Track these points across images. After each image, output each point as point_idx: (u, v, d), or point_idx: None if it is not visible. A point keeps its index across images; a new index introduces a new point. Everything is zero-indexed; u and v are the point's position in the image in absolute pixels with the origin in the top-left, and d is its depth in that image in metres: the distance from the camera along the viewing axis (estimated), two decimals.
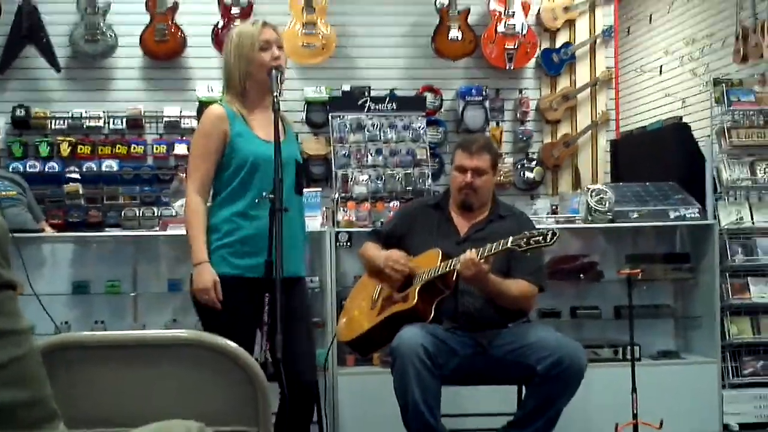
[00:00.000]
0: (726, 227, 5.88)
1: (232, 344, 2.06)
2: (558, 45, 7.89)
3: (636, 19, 9.13)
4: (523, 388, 4.22)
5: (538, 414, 3.98)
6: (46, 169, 7.06)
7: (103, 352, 2.11)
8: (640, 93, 8.94)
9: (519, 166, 7.68)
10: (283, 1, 7.33)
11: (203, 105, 6.73)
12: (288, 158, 3.60)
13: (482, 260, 3.92)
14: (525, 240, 3.81)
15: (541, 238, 3.79)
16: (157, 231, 5.85)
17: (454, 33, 7.47)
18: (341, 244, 5.54)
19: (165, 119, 7.32)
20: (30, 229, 5.50)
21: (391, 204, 6.06)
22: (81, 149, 7.15)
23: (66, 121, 7.21)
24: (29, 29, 7.03)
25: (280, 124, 3.59)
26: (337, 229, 5.59)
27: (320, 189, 6.05)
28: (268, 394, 2.08)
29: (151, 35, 7.24)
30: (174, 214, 5.86)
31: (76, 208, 6.92)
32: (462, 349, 4.09)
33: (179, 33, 7.28)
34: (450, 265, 4.00)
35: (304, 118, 7.36)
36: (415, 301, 4.04)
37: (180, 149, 7.10)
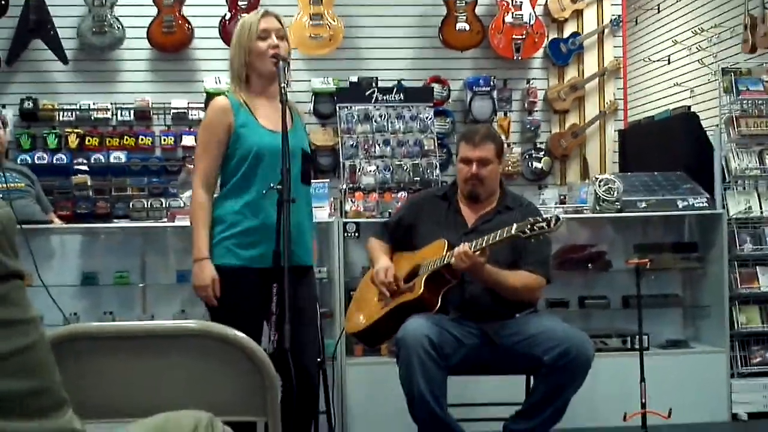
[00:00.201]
0: (734, 216, 5.88)
1: (241, 335, 2.07)
2: (566, 35, 7.87)
3: (644, 9, 9.11)
4: (531, 378, 4.23)
5: (546, 404, 3.98)
6: (55, 161, 7.06)
7: (112, 343, 2.12)
8: (649, 83, 8.93)
9: (527, 156, 7.67)
10: None
11: (211, 96, 6.72)
12: (294, 148, 3.58)
13: (477, 251, 3.92)
14: (528, 227, 3.81)
15: (545, 224, 3.80)
16: (165, 222, 5.87)
17: (462, 24, 7.45)
18: (349, 234, 5.55)
19: (173, 111, 7.32)
20: (39, 220, 5.52)
21: (399, 194, 6.06)
22: (89, 141, 7.15)
23: (74, 113, 7.21)
24: (37, 22, 7.03)
25: (288, 114, 3.59)
26: (344, 220, 5.60)
27: (328, 180, 6.06)
28: (277, 384, 2.09)
29: (158, 27, 7.23)
30: (182, 205, 5.88)
31: (84, 200, 6.93)
32: (468, 339, 4.09)
33: (186, 25, 7.28)
34: (450, 257, 4.00)
35: (312, 109, 7.35)
36: (422, 290, 4.05)
37: (188, 141, 7.10)
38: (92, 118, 7.23)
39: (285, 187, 3.32)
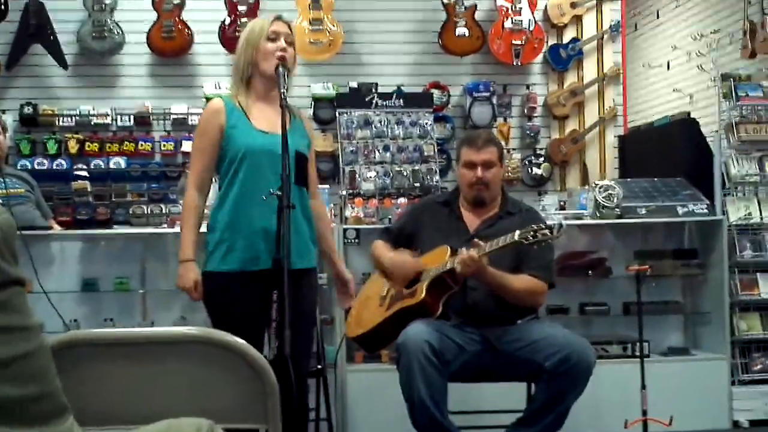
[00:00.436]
0: (734, 223, 5.87)
1: (241, 341, 2.06)
2: (565, 41, 7.87)
3: (643, 15, 9.13)
4: (532, 385, 4.22)
5: (547, 411, 3.97)
6: (54, 167, 7.05)
7: (113, 349, 2.11)
8: (648, 89, 8.94)
9: (526, 162, 7.67)
10: None
11: (210, 101, 6.72)
12: (288, 148, 3.51)
13: (481, 257, 3.93)
14: (532, 233, 3.81)
15: (547, 231, 3.80)
16: (165, 228, 5.86)
17: (462, 29, 7.45)
18: (349, 240, 5.55)
19: (172, 116, 7.32)
20: (38, 226, 5.51)
21: (399, 200, 6.06)
22: (89, 146, 7.15)
23: (74, 119, 7.20)
24: (36, 27, 7.03)
25: (288, 117, 3.57)
26: (344, 226, 5.60)
27: (328, 186, 6.05)
28: (277, 391, 2.08)
29: (158, 32, 7.24)
30: (184, 206, 5.86)
31: (84, 206, 6.92)
32: (469, 345, 4.09)
33: (186, 30, 7.28)
34: (454, 262, 4.00)
35: (312, 114, 7.35)
36: (423, 295, 4.05)
37: (187, 146, 7.07)
38: (92, 123, 7.23)
39: (285, 193, 3.31)
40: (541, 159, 7.70)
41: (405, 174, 6.26)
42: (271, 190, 3.38)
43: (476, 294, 4.15)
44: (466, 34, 7.46)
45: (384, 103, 6.41)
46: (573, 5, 7.80)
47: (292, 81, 3.83)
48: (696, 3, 8.12)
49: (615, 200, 5.69)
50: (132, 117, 7.29)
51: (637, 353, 5.01)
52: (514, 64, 7.57)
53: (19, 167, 6.72)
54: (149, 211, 6.72)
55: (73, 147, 7.10)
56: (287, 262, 3.17)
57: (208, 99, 6.98)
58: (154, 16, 7.22)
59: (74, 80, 7.36)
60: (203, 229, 3.83)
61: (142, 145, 7.23)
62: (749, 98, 6.11)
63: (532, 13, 7.56)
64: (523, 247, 3.93)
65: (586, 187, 6.99)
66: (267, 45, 3.75)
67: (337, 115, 6.51)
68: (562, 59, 7.81)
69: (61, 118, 7.20)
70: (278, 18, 3.85)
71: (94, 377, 2.05)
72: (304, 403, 3.99)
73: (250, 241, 3.67)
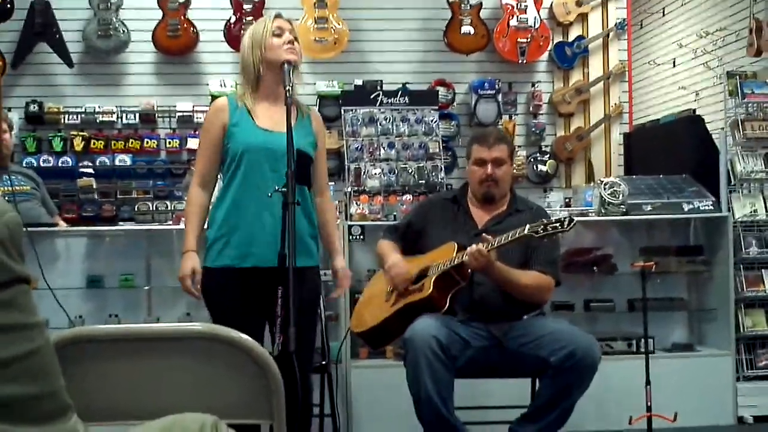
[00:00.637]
0: (740, 220, 5.87)
1: (246, 337, 2.07)
2: (571, 38, 7.87)
3: (649, 12, 9.11)
4: (537, 381, 4.22)
5: (552, 406, 3.97)
6: (60, 164, 7.07)
7: (118, 345, 2.11)
8: (654, 86, 8.92)
9: (532, 160, 7.66)
10: None
11: (215, 99, 6.73)
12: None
13: (491, 250, 3.93)
14: (542, 227, 3.81)
15: (558, 224, 3.80)
16: (170, 225, 5.87)
17: (467, 27, 7.46)
18: (354, 237, 5.55)
19: (178, 114, 7.33)
20: (44, 223, 5.52)
21: (404, 197, 6.06)
22: (94, 144, 7.16)
23: (79, 116, 7.22)
24: (42, 25, 7.05)
25: (294, 115, 3.58)
26: (350, 223, 5.61)
27: (333, 183, 6.05)
28: (282, 387, 2.09)
29: (163, 31, 7.25)
30: (187, 200, 5.86)
31: (89, 203, 6.93)
32: (476, 341, 4.09)
33: (191, 28, 7.29)
34: (461, 257, 4.01)
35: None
36: (431, 290, 4.05)
37: (193, 144, 7.10)
38: (97, 121, 7.24)
39: (290, 189, 3.31)
40: (547, 156, 7.70)
41: (410, 171, 6.26)
42: (277, 186, 3.39)
43: (484, 289, 4.15)
44: (472, 32, 7.47)
45: (389, 100, 6.40)
46: (579, 3, 7.80)
47: (301, 78, 3.84)
48: (702, 1, 8.10)
49: (620, 197, 5.69)
50: (137, 114, 7.30)
51: (642, 349, 5.01)
52: (520, 61, 7.58)
53: (24, 165, 6.72)
54: (154, 208, 6.73)
55: (78, 144, 7.12)
56: (292, 258, 3.17)
57: (213, 96, 7.00)
58: (159, 14, 7.24)
59: (80, 78, 7.38)
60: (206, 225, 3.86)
61: (147, 142, 7.25)
62: (755, 95, 6.11)
63: (538, 11, 7.56)
64: (531, 243, 3.96)
65: (592, 184, 7.00)
66: (273, 40, 3.76)
67: (342, 112, 6.51)
68: (568, 57, 7.81)
69: (66, 116, 7.22)
70: (278, 16, 3.88)
71: (99, 373, 2.06)
72: (309, 403, 4.00)
73: (244, 239, 3.71)
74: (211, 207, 3.88)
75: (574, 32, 7.89)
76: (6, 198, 4.89)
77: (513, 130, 7.64)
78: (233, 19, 7.26)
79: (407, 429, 4.17)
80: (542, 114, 7.81)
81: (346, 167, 6.24)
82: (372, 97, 6.42)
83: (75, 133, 7.15)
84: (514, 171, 7.26)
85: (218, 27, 7.28)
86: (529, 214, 4.29)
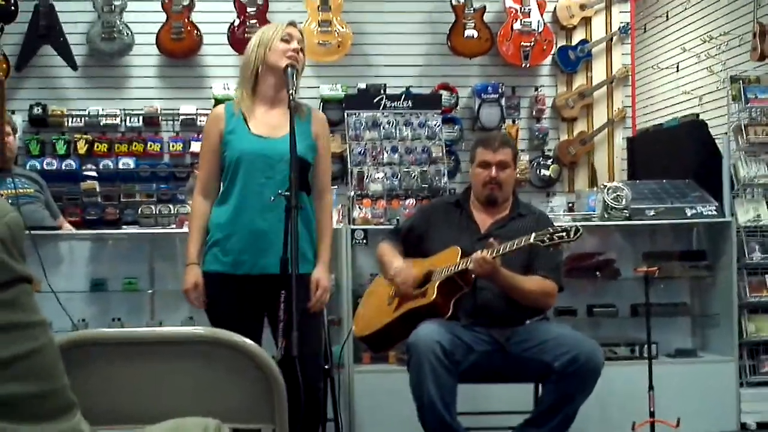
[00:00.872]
0: (743, 225, 5.86)
1: (249, 342, 2.07)
2: (574, 42, 7.87)
3: (653, 16, 9.09)
4: (540, 386, 4.22)
5: (555, 412, 3.97)
6: (63, 167, 7.08)
7: (121, 349, 2.11)
8: (657, 90, 8.90)
9: (535, 164, 7.66)
10: (299, 0, 7.35)
11: (219, 103, 6.73)
12: (284, 153, 3.48)
13: (496, 257, 3.93)
14: (548, 236, 3.82)
15: (564, 234, 3.81)
16: (173, 228, 5.87)
17: (470, 31, 7.46)
18: (357, 241, 5.55)
19: (181, 117, 7.34)
20: (47, 226, 5.52)
21: (407, 201, 6.05)
22: (98, 147, 7.18)
23: (83, 119, 7.23)
24: (46, 28, 7.06)
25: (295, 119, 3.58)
26: (352, 227, 5.60)
27: (336, 187, 6.05)
28: (284, 391, 2.09)
29: (167, 34, 7.26)
30: (190, 211, 5.87)
31: (93, 206, 6.94)
32: (479, 346, 4.09)
33: (195, 31, 7.30)
34: (466, 263, 4.00)
35: None
36: (435, 296, 4.05)
37: (196, 147, 7.09)
38: (101, 124, 7.25)
39: (293, 193, 3.31)
40: (550, 160, 7.70)
41: (413, 175, 6.25)
42: (280, 191, 3.39)
43: (486, 294, 4.15)
44: (475, 36, 7.47)
45: (392, 104, 6.40)
46: (582, 7, 7.80)
47: (299, 83, 3.83)
48: (706, 5, 8.08)
49: (623, 202, 5.68)
50: (141, 118, 7.31)
51: (645, 355, 5.00)
52: (523, 65, 7.58)
53: (28, 167, 6.74)
54: (158, 212, 6.74)
55: (82, 147, 7.13)
56: (295, 263, 3.17)
57: (216, 100, 7.02)
58: (163, 17, 7.24)
59: (83, 81, 7.39)
60: None
61: (151, 145, 7.26)
62: (758, 100, 6.10)
63: (541, 14, 7.56)
64: (535, 248, 3.94)
65: (595, 188, 6.99)
66: (280, 44, 3.77)
67: (345, 116, 6.51)
68: (571, 61, 7.81)
69: (70, 119, 7.23)
70: (292, 23, 3.89)
71: (102, 377, 2.06)
72: (317, 408, 3.98)
73: (237, 246, 3.73)
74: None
75: (578, 36, 7.89)
76: (9, 201, 4.89)
77: (516, 134, 7.63)
78: (237, 22, 7.27)
79: None
80: (545, 118, 7.81)
81: (349, 171, 6.24)
82: (375, 100, 6.42)
83: (79, 136, 7.16)
84: (517, 175, 7.31)
85: (222, 30, 7.29)
86: (532, 219, 4.31)
